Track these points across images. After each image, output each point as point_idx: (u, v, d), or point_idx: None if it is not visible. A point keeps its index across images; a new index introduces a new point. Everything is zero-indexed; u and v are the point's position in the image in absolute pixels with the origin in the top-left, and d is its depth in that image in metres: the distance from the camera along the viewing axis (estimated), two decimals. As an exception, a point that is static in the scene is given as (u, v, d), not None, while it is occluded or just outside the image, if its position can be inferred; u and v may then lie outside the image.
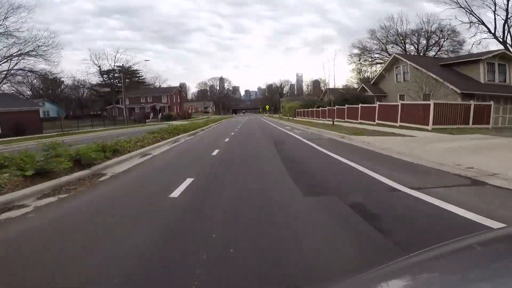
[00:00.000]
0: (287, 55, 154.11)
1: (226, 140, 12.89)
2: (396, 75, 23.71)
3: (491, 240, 0.91)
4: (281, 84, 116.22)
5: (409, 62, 21.75)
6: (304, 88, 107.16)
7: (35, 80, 65.23)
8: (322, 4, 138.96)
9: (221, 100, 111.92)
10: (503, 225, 2.39)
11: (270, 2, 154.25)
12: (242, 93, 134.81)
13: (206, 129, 22.01)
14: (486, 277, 0.66)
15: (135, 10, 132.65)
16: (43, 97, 61.80)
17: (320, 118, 29.54)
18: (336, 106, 24.60)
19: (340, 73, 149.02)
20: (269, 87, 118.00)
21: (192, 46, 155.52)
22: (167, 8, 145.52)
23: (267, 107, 61.63)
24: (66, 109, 64.06)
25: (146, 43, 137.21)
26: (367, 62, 50.26)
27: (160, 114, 50.91)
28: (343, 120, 22.21)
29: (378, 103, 19.73)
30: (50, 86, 69.13)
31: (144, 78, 77.45)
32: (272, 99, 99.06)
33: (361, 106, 20.07)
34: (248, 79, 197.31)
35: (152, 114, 51.61)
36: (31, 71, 46.97)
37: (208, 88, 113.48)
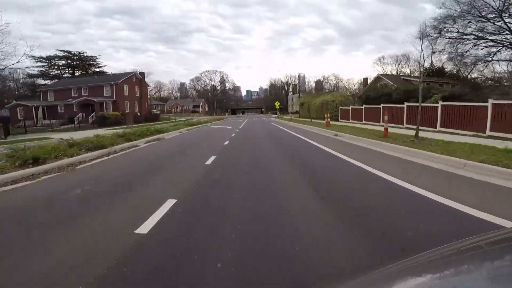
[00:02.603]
0: (288, 55, 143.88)
1: None
2: None
3: (496, 241, 0.87)
4: (287, 80, 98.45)
5: None
6: (311, 84, 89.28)
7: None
8: (322, 5, 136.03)
9: (217, 97, 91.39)
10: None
11: (271, 3, 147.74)
12: (244, 93, 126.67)
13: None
14: (491, 278, 0.63)
15: (136, 11, 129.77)
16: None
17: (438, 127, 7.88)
18: None
19: (351, 67, 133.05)
20: (273, 85, 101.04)
21: (193, 47, 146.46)
22: (168, 9, 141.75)
23: (277, 104, 40.31)
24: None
25: (147, 44, 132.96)
26: (450, 35, 28.42)
27: (94, 114, 29.34)
28: None
29: None
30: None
31: (103, 67, 56.07)
32: (278, 96, 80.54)
33: None
34: (250, 80, 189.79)
35: (83, 114, 30.12)
36: None
37: (207, 87, 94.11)
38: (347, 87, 65.05)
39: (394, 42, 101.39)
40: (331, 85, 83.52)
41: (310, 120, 22.10)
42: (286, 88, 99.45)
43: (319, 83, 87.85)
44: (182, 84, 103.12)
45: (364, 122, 18.56)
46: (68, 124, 29.34)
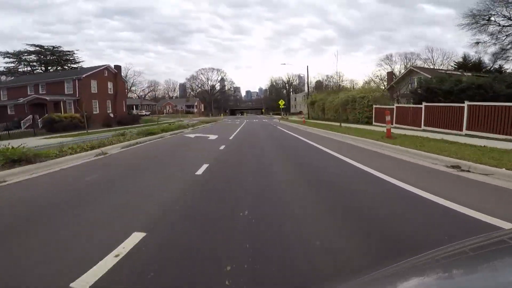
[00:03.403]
0: (288, 56, 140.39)
1: None
2: None
3: (496, 242, 0.85)
4: (289, 79, 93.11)
5: None
6: (312, 84, 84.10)
7: None
8: (322, 6, 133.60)
9: (215, 97, 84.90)
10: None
11: (270, 3, 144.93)
12: (243, 93, 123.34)
13: None
14: (492, 278, 0.63)
15: (136, 11, 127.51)
16: None
17: None
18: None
19: (351, 68, 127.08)
20: (273, 85, 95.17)
21: (193, 47, 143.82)
22: (168, 9, 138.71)
23: (281, 102, 33.68)
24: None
25: (147, 44, 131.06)
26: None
27: (41, 117, 22.66)
28: None
29: None
30: None
31: (81, 62, 49.16)
32: (280, 96, 74.62)
33: None
34: (250, 80, 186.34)
35: (34, 116, 23.48)
36: None
37: (204, 86, 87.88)
38: (356, 85, 58.46)
39: (394, 42, 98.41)
40: (335, 83, 77.48)
41: (338, 124, 15.33)
42: (287, 87, 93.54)
43: (319, 83, 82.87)
44: (182, 85, 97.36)
45: (423, 128, 11.92)
46: (15, 128, 22.77)
